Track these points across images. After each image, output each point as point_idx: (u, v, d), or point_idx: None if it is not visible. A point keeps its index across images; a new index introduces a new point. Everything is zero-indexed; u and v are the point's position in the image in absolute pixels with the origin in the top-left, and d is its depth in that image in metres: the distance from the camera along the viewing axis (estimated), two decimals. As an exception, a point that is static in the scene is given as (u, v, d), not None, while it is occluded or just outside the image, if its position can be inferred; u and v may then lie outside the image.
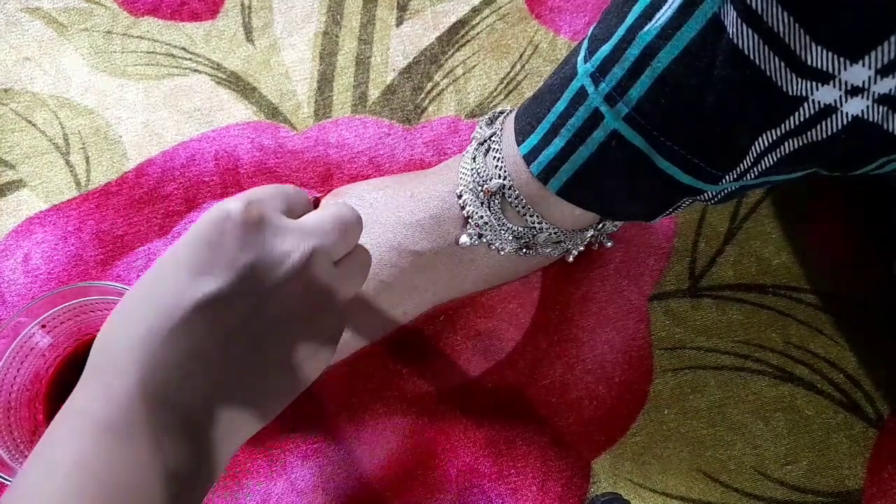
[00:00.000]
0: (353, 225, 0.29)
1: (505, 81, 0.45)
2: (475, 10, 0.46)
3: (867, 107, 0.24)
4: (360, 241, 0.36)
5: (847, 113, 0.25)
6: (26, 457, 0.34)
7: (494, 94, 0.45)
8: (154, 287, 0.26)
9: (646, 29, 0.27)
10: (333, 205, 0.29)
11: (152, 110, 0.44)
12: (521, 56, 0.45)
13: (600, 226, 0.37)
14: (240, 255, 0.25)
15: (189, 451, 0.25)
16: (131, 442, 0.24)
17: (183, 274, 0.25)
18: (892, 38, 0.22)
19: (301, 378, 0.28)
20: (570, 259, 0.38)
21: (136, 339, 0.25)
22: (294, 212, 0.29)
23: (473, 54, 0.45)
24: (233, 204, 0.26)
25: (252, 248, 0.25)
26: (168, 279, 0.25)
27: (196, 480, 0.25)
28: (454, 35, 0.46)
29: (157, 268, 0.26)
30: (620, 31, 0.28)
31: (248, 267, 0.25)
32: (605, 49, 0.29)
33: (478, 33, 0.46)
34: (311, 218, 0.28)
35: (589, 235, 0.37)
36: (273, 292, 0.26)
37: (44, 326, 0.35)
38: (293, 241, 0.26)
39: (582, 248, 0.37)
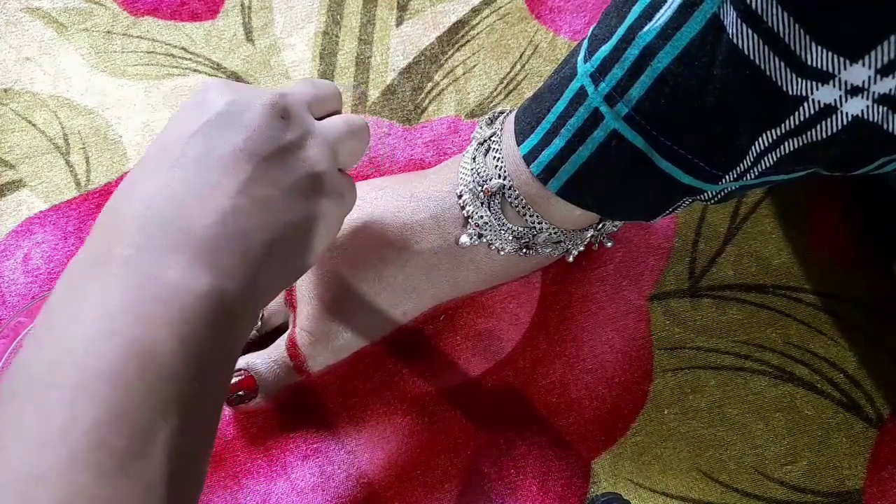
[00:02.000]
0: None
1: (505, 81, 0.45)
2: (475, 11, 0.46)
3: (867, 107, 0.24)
4: (360, 242, 0.36)
5: (847, 113, 0.25)
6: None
7: (494, 94, 0.45)
8: (153, 146, 0.27)
9: (646, 29, 0.27)
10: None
11: (152, 110, 0.44)
12: (521, 56, 0.45)
13: (600, 226, 0.37)
14: (218, 99, 0.27)
15: (200, 271, 0.24)
16: (135, 267, 0.23)
17: (174, 128, 0.27)
18: (892, 38, 0.22)
19: (309, 230, 0.29)
20: (570, 259, 0.38)
21: (135, 185, 0.25)
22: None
23: (473, 54, 0.45)
24: (203, 82, 0.29)
25: (228, 92, 0.27)
26: (164, 134, 0.27)
27: (215, 302, 0.24)
28: (454, 35, 0.46)
29: (158, 135, 0.28)
30: (620, 32, 0.28)
31: (227, 104, 0.27)
32: (605, 49, 0.29)
33: (478, 33, 0.46)
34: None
35: (589, 235, 0.37)
36: (255, 124, 0.27)
37: (44, 326, 0.35)
38: (264, 91, 0.28)
39: (582, 248, 0.37)
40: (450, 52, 0.45)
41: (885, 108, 0.24)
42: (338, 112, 0.32)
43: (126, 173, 0.43)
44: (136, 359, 0.22)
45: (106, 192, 0.42)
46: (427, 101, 0.44)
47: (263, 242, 0.26)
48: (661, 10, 0.27)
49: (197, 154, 0.26)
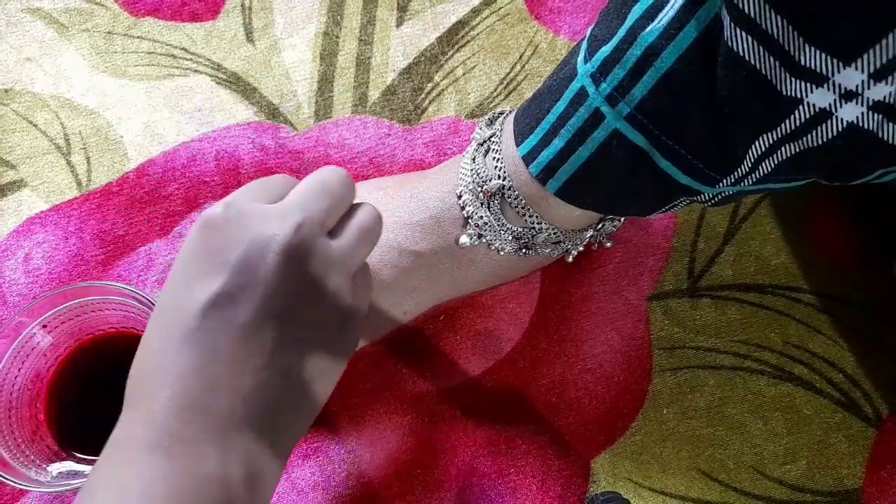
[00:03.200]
0: (336, 184, 0.29)
1: (505, 82, 0.45)
2: (475, 11, 0.46)
3: (862, 114, 0.24)
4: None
5: (842, 119, 0.25)
6: (27, 456, 0.34)
7: (494, 94, 0.45)
8: (163, 308, 0.26)
9: (648, 29, 0.28)
10: (312, 175, 0.29)
11: (153, 111, 0.44)
12: (520, 56, 0.45)
13: (600, 226, 0.37)
14: (228, 253, 0.26)
15: (233, 458, 0.25)
16: (174, 456, 0.24)
17: (184, 286, 0.26)
18: (884, 42, 0.22)
19: (330, 369, 0.28)
20: (570, 259, 0.38)
21: (159, 358, 0.25)
22: (279, 196, 0.29)
23: (473, 55, 0.45)
24: (211, 210, 0.27)
25: (238, 242, 0.26)
26: (173, 296, 0.26)
27: (247, 486, 0.25)
28: (454, 35, 0.46)
29: (162, 291, 0.27)
30: (621, 32, 0.29)
31: (240, 261, 0.26)
32: (606, 49, 0.29)
33: (478, 34, 0.46)
34: (291, 193, 0.28)
35: (588, 236, 0.37)
36: (274, 279, 0.26)
37: (45, 326, 0.36)
38: (275, 222, 0.26)
39: (581, 249, 0.38)
40: (450, 53, 0.45)
41: (881, 116, 0.24)
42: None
43: (127, 174, 0.43)
44: None
45: (107, 192, 0.43)
46: (427, 101, 0.45)
47: (294, 408, 0.27)
48: (664, 11, 0.27)
49: (215, 326, 0.25)
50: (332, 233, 0.29)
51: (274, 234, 0.26)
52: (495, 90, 0.45)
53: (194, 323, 0.25)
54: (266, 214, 0.27)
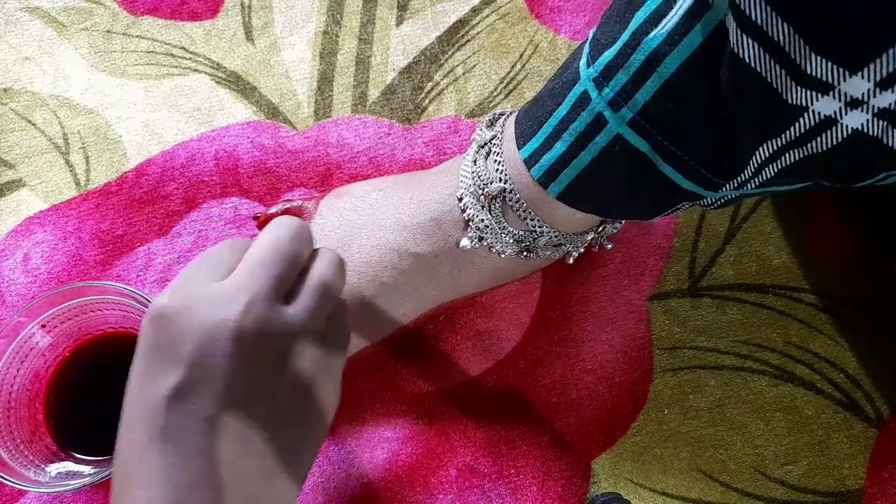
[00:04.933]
0: (287, 243, 0.28)
1: (505, 81, 0.45)
2: (475, 10, 0.46)
3: (867, 120, 0.24)
4: (360, 243, 0.36)
5: (847, 126, 0.25)
6: (26, 457, 0.34)
7: (494, 93, 0.45)
8: (130, 405, 0.26)
9: (652, 35, 0.27)
10: (261, 235, 0.28)
11: (152, 110, 0.44)
12: (521, 56, 0.45)
13: (601, 228, 0.37)
14: (180, 347, 0.25)
15: None
16: None
17: (144, 382, 0.26)
18: (891, 51, 0.22)
19: (309, 439, 0.28)
20: (571, 261, 0.38)
21: (134, 457, 0.25)
22: (229, 268, 0.28)
23: (473, 54, 0.45)
24: (159, 300, 0.26)
25: (188, 334, 0.25)
26: (137, 392, 0.26)
27: None
28: (454, 35, 0.46)
29: (128, 385, 0.27)
30: (624, 37, 0.28)
31: (192, 355, 0.25)
32: (609, 54, 0.29)
33: (478, 33, 0.46)
34: (241, 263, 0.28)
35: (589, 238, 0.37)
36: (230, 367, 0.25)
37: (44, 326, 0.35)
38: (224, 306, 0.26)
39: (582, 250, 0.37)
40: (450, 52, 0.45)
41: (885, 123, 0.24)
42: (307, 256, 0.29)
43: (126, 174, 0.43)
44: None
45: (106, 191, 0.42)
46: (427, 100, 0.44)
47: (283, 474, 0.27)
48: (668, 16, 0.27)
49: (181, 422, 0.25)
50: (291, 294, 0.28)
51: (224, 321, 0.25)
52: (495, 89, 0.45)
53: (160, 419, 0.25)
54: (214, 298, 0.26)
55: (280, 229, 0.28)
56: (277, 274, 0.27)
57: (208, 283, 0.27)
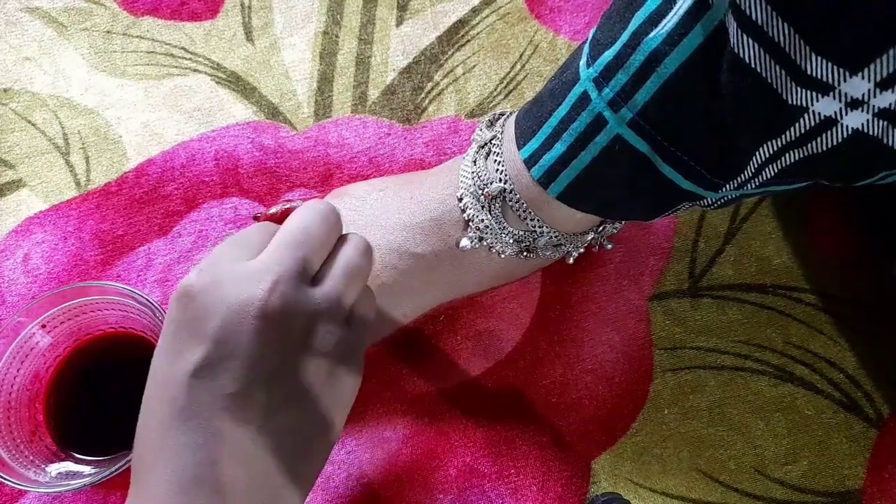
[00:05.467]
0: (316, 226, 0.28)
1: (505, 81, 0.45)
2: (475, 10, 0.46)
3: (867, 120, 0.24)
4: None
5: (847, 126, 0.25)
6: (26, 457, 0.34)
7: (494, 93, 0.45)
8: (152, 382, 0.26)
9: (651, 35, 0.27)
10: (290, 218, 0.29)
11: (152, 110, 0.44)
12: (521, 56, 0.45)
13: (601, 228, 0.37)
14: (206, 323, 0.25)
15: None
16: None
17: (168, 359, 0.26)
18: (892, 52, 0.22)
19: (330, 419, 0.28)
20: (571, 261, 0.38)
21: (154, 434, 0.25)
22: (258, 249, 0.28)
23: (473, 54, 0.45)
24: (187, 278, 0.26)
25: (215, 311, 0.26)
26: (160, 370, 0.26)
27: None
28: (454, 35, 0.46)
29: (152, 363, 0.27)
30: (624, 37, 0.28)
31: (217, 331, 0.25)
32: (609, 54, 0.29)
33: (478, 33, 0.46)
34: (270, 244, 0.28)
35: (589, 238, 0.37)
36: (255, 345, 0.26)
37: (44, 326, 0.35)
38: (250, 285, 0.26)
39: (582, 250, 0.37)
40: (450, 52, 0.45)
41: (886, 123, 0.24)
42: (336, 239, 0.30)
43: (126, 174, 0.43)
44: None
45: (106, 191, 0.42)
46: (427, 101, 0.44)
47: (302, 455, 0.27)
48: (668, 17, 0.27)
49: (203, 399, 0.25)
50: (318, 276, 0.28)
51: (250, 299, 0.26)
52: (495, 89, 0.45)
53: (182, 397, 0.25)
54: (241, 277, 0.26)
55: (310, 212, 0.28)
56: (304, 256, 0.27)
57: (236, 263, 0.27)
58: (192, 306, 0.26)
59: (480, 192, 0.34)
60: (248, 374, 0.25)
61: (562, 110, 0.31)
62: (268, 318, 0.26)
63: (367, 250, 0.30)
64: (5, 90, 0.44)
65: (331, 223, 0.29)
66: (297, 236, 0.28)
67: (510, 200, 0.34)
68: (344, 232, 0.30)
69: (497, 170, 0.34)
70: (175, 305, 0.26)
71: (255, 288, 0.26)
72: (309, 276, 0.28)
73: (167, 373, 0.26)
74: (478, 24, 0.46)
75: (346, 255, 0.29)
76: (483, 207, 0.34)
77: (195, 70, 0.45)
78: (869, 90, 0.23)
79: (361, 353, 0.30)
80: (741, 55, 0.25)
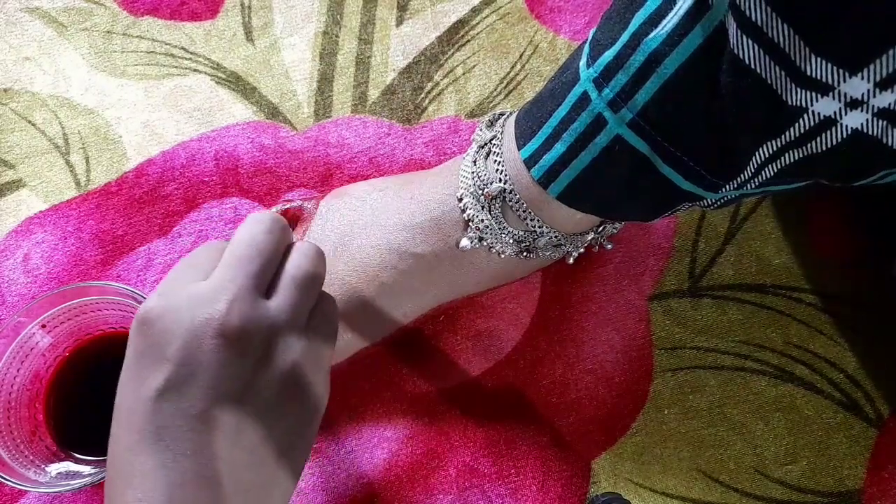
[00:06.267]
0: (263, 237, 0.28)
1: (505, 81, 0.45)
2: (475, 10, 0.46)
3: (867, 120, 0.24)
4: (360, 244, 0.36)
5: (847, 126, 0.25)
6: (26, 457, 0.34)
7: (494, 93, 0.45)
8: (119, 409, 0.27)
9: (651, 35, 0.27)
10: (237, 232, 0.29)
11: (152, 110, 0.44)
12: (521, 56, 0.45)
13: (601, 228, 0.37)
14: (167, 347, 0.26)
15: None
16: None
17: (132, 387, 0.26)
18: (891, 52, 0.22)
19: (300, 431, 0.28)
20: (571, 261, 0.38)
21: (124, 458, 0.26)
22: (209, 268, 0.28)
23: (473, 54, 0.45)
24: (144, 305, 0.27)
25: (174, 334, 0.26)
26: (125, 397, 0.26)
27: None
28: (454, 35, 0.46)
29: (117, 392, 0.27)
30: (624, 38, 0.28)
31: (178, 353, 0.25)
32: (609, 55, 0.29)
33: (478, 33, 0.46)
34: (221, 263, 0.28)
35: (589, 238, 0.37)
36: (217, 365, 0.26)
37: (44, 326, 0.35)
38: (207, 305, 0.26)
39: (582, 251, 0.37)
40: (450, 52, 0.45)
41: (885, 122, 0.24)
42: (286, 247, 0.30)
43: (126, 174, 0.43)
44: None
45: (106, 191, 0.42)
46: (427, 101, 0.44)
47: (277, 467, 0.27)
48: (668, 17, 0.27)
49: (170, 421, 0.25)
50: (270, 289, 0.28)
51: (208, 320, 0.26)
52: (495, 89, 0.45)
53: (148, 419, 0.25)
54: (196, 298, 0.26)
55: (254, 225, 0.29)
56: (255, 270, 0.27)
57: (190, 285, 0.27)
58: (150, 332, 0.26)
59: (480, 192, 0.34)
60: (212, 393, 0.25)
61: (562, 111, 0.31)
62: (227, 337, 0.26)
63: (317, 255, 0.30)
64: (5, 90, 0.44)
65: (276, 233, 0.29)
66: (246, 251, 0.28)
67: (510, 200, 0.34)
68: (303, 241, 0.31)
69: (497, 170, 0.34)
70: (135, 333, 0.27)
71: (212, 308, 0.26)
72: (262, 289, 0.28)
73: (131, 399, 0.26)
74: (478, 24, 0.46)
75: (295, 262, 0.29)
76: (483, 207, 0.34)
77: (195, 70, 0.45)
78: (868, 90, 0.23)
79: (327, 361, 0.29)
80: (741, 56, 0.25)
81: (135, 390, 0.26)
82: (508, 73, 0.45)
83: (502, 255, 0.36)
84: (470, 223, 0.35)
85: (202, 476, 0.25)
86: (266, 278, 0.28)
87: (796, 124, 0.26)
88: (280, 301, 0.28)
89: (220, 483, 0.26)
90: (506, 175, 0.33)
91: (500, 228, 0.34)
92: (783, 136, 0.26)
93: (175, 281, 0.28)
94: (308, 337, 0.28)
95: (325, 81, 0.45)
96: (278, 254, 0.29)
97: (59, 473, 0.35)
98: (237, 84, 0.44)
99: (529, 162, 0.32)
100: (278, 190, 0.43)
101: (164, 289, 0.27)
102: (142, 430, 0.25)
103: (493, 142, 0.34)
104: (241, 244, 0.28)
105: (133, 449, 0.25)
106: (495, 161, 0.34)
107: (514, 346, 0.41)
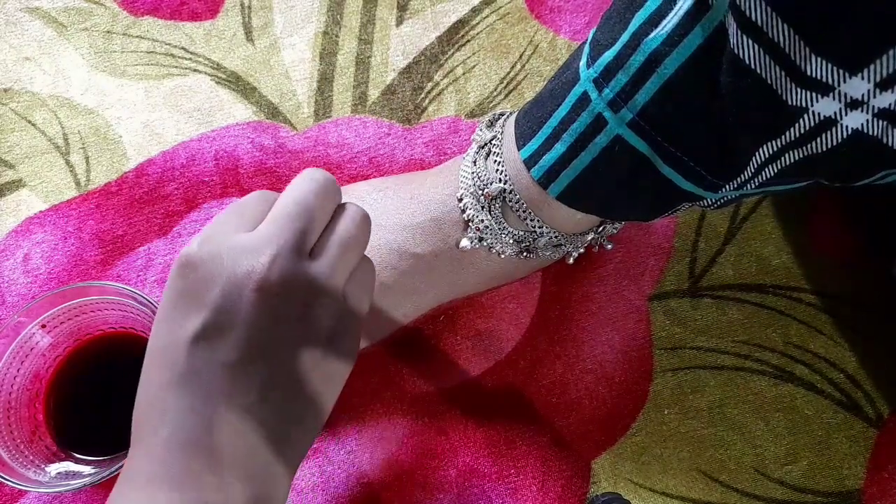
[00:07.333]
0: (314, 197, 0.28)
1: (505, 81, 0.45)
2: (475, 10, 0.46)
3: (867, 120, 0.24)
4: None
5: (847, 126, 0.25)
6: (26, 457, 0.34)
7: (494, 93, 0.45)
8: (153, 347, 0.27)
9: (651, 36, 0.27)
10: (289, 188, 0.28)
11: (152, 110, 0.44)
12: (521, 56, 0.45)
13: (601, 228, 0.37)
14: (206, 293, 0.26)
15: (237, 486, 0.25)
16: (177, 487, 0.25)
17: (169, 325, 0.26)
18: (891, 52, 0.22)
19: (322, 398, 0.28)
20: (571, 261, 0.38)
21: (155, 396, 0.26)
22: (257, 220, 0.28)
23: (473, 54, 0.45)
24: (188, 248, 0.27)
25: (214, 282, 0.26)
26: (161, 335, 0.26)
27: None
28: (454, 35, 0.46)
29: (152, 329, 0.27)
30: (624, 38, 0.28)
31: (217, 302, 0.26)
32: (609, 55, 0.29)
33: (478, 33, 0.46)
34: (269, 215, 0.28)
35: (589, 238, 0.37)
36: (254, 317, 0.26)
37: (44, 326, 0.35)
38: (250, 257, 0.26)
39: (582, 251, 0.37)
40: (450, 52, 0.45)
41: (885, 123, 0.24)
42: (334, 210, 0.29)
43: (126, 174, 0.43)
44: None
45: (106, 191, 0.42)
46: (427, 101, 0.44)
47: (294, 430, 0.27)
48: (668, 17, 0.27)
49: (203, 366, 0.25)
50: (315, 249, 0.28)
51: (249, 272, 0.26)
52: (495, 89, 0.45)
53: (182, 361, 0.25)
54: (241, 249, 0.26)
55: (308, 183, 0.28)
56: (302, 227, 0.27)
57: (236, 234, 0.27)
58: (192, 276, 0.26)
59: (480, 192, 0.34)
60: (246, 345, 0.26)
61: (562, 111, 0.31)
62: (266, 291, 0.26)
63: (363, 221, 0.29)
64: (5, 90, 0.44)
65: (328, 193, 0.29)
66: (295, 208, 0.27)
67: (510, 201, 0.34)
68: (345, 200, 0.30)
69: (497, 170, 0.34)
70: (176, 274, 0.27)
71: (255, 261, 0.26)
72: (307, 248, 0.27)
73: (167, 338, 0.26)
74: (478, 24, 0.46)
75: (343, 226, 0.29)
76: (483, 208, 0.34)
77: (195, 70, 0.45)
78: (868, 90, 0.23)
79: (357, 328, 0.29)
80: (741, 56, 0.25)
81: (171, 332, 0.26)
82: (508, 73, 0.45)
83: (502, 256, 0.36)
84: (470, 223, 0.35)
85: (227, 424, 0.25)
86: (312, 238, 0.28)
87: (796, 125, 0.26)
88: (323, 263, 0.27)
89: (242, 435, 0.26)
90: (506, 175, 0.33)
91: (500, 228, 0.34)
92: (783, 137, 0.26)
93: (221, 226, 0.27)
94: (344, 302, 0.28)
95: (325, 81, 0.45)
96: (327, 214, 0.29)
97: (59, 473, 0.35)
98: (237, 84, 0.44)
99: (529, 162, 0.32)
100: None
101: (209, 233, 0.27)
102: (174, 370, 0.25)
103: (493, 142, 0.34)
104: (292, 201, 0.28)
105: (164, 387, 0.26)
106: (495, 161, 0.34)
107: (514, 346, 0.41)
